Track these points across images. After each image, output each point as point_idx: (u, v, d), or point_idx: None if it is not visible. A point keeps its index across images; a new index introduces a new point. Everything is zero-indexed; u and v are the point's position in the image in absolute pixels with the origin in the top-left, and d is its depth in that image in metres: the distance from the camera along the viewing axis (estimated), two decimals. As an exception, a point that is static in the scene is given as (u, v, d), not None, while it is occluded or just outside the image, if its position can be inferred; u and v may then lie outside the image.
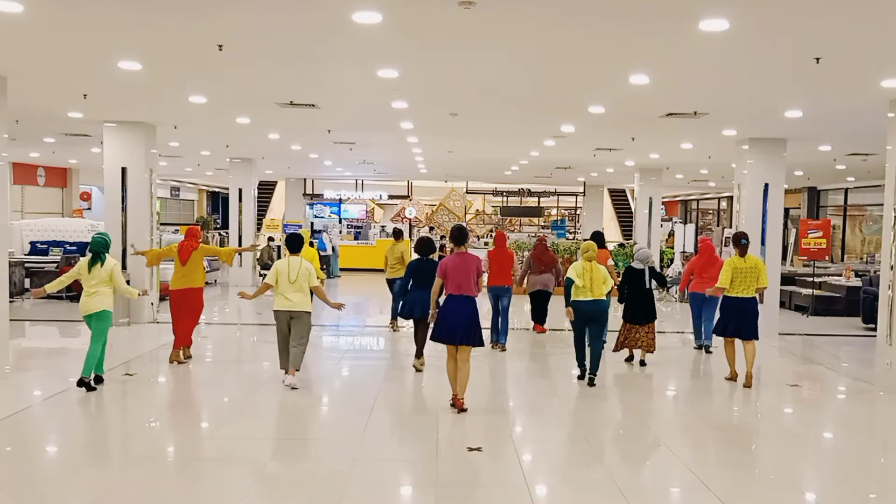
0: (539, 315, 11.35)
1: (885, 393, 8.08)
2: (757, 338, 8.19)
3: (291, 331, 7.63)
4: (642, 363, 9.11)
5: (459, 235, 7.03)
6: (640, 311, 8.92)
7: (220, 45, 6.48)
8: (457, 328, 6.72)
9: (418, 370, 8.48)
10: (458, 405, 6.79)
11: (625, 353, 9.33)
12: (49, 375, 8.18)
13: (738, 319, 8.17)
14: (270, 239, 19.50)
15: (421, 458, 5.63)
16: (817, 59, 6.57)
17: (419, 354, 8.55)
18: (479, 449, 5.75)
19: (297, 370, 7.67)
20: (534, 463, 5.61)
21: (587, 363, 8.09)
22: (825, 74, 7.18)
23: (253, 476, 5.17)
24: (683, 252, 18.64)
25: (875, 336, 8.61)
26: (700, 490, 5.01)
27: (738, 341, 8.31)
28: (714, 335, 8.85)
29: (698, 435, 6.58)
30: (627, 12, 5.43)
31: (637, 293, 8.96)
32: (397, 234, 11.87)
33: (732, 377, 8.36)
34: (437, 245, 12.04)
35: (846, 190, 22.50)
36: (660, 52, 6.59)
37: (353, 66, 7.41)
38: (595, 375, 8.00)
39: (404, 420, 6.83)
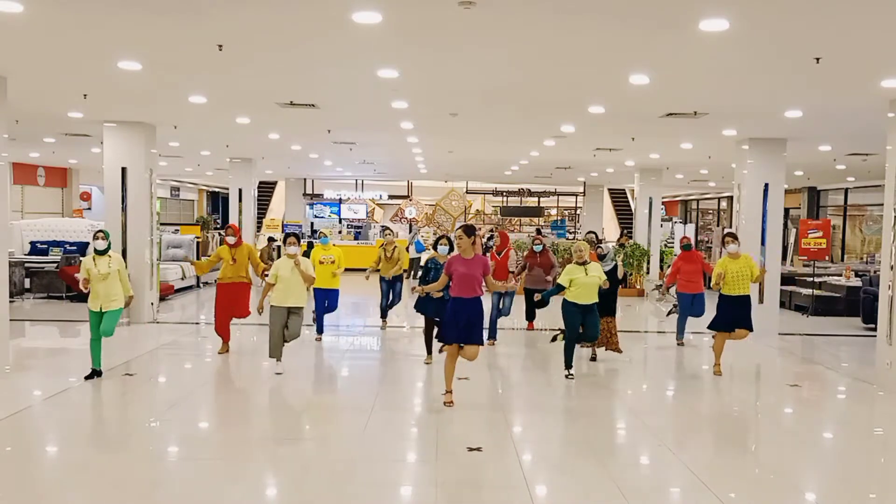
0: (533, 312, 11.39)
1: (885, 393, 8.08)
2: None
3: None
4: (593, 358, 9.24)
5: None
6: (607, 305, 9.03)
7: (220, 45, 6.48)
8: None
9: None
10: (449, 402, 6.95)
11: (588, 352, 9.43)
12: (49, 375, 8.18)
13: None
14: (271, 239, 19.53)
15: (421, 458, 5.64)
16: (817, 59, 6.57)
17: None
18: (479, 449, 5.75)
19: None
20: (534, 463, 5.61)
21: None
22: (825, 74, 7.18)
23: (253, 476, 5.18)
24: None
25: (875, 336, 8.62)
26: (700, 490, 5.01)
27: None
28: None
29: (698, 434, 6.59)
30: (628, 12, 5.43)
31: (610, 289, 9.12)
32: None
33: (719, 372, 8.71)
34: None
35: (846, 190, 22.49)
36: (660, 52, 6.59)
37: (353, 66, 7.41)
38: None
39: (404, 420, 6.82)
